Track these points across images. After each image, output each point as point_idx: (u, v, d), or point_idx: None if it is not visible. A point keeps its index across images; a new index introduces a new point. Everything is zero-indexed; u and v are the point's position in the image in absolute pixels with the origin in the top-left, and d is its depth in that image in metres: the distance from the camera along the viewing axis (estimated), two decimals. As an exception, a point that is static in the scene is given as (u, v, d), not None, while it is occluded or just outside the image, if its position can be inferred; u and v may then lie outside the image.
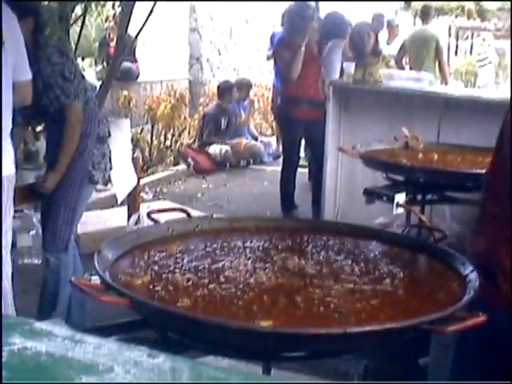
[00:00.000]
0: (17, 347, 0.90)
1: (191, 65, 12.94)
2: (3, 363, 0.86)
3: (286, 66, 7.24)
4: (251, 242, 2.66)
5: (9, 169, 3.69)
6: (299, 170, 7.89)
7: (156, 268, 2.33)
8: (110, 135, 4.41)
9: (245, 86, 11.25)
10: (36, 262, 5.48)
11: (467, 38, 22.58)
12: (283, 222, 3.01)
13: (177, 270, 2.31)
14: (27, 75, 3.85)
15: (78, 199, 4.24)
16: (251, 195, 8.88)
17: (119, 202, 5.71)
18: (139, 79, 11.42)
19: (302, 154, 8.25)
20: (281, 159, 8.25)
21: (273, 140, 11.68)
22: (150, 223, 2.77)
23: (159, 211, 2.90)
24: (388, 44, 10.75)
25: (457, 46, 21.83)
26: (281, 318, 1.96)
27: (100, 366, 0.86)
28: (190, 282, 2.21)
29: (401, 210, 4.16)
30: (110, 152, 4.42)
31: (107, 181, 4.55)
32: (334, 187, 6.53)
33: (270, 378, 0.88)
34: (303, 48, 6.99)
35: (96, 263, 2.16)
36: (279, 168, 7.84)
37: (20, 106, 3.89)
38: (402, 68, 8.92)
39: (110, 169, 4.43)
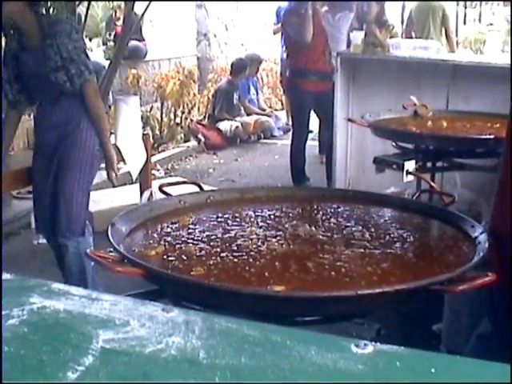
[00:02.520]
0: (36, 306, 0.94)
1: (199, 41, 12.91)
2: (23, 321, 0.89)
3: (297, 32, 7.20)
4: (262, 211, 2.69)
5: None
6: (310, 142, 7.92)
7: (169, 239, 2.37)
8: (110, 108, 4.40)
9: (255, 62, 11.22)
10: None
11: (475, 6, 22.40)
12: (293, 190, 3.04)
13: (190, 241, 2.35)
14: None
15: (90, 180, 4.21)
16: (263, 169, 8.90)
17: (134, 179, 5.74)
18: (147, 57, 11.41)
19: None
20: (291, 132, 8.26)
21: (282, 114, 11.67)
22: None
23: (170, 184, 2.94)
24: None
25: (465, 15, 21.65)
26: (293, 283, 1.99)
27: (116, 321, 0.90)
28: (203, 252, 2.24)
29: (411, 178, 4.17)
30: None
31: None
32: (344, 158, 6.53)
33: (282, 328, 0.91)
34: (310, 11, 6.97)
35: (110, 236, 2.20)
36: (289, 141, 7.85)
37: None
38: (410, 38, 8.88)
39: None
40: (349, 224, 2.55)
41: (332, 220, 2.59)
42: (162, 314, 0.92)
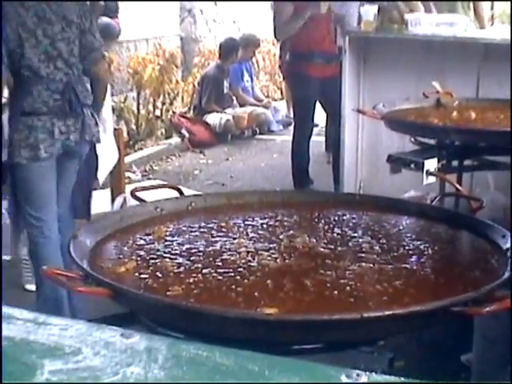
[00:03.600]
0: (-28, 333, 0.95)
1: (182, 18, 12.92)
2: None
3: (279, 19, 7.23)
4: (253, 219, 2.70)
5: None
6: (315, 138, 7.92)
7: (142, 253, 2.38)
8: (71, 108, 4.35)
9: (251, 45, 11.22)
10: (5, 258, 5.51)
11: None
12: (290, 195, 3.04)
13: (166, 255, 2.36)
14: None
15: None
16: (258, 170, 8.93)
17: (100, 183, 5.75)
18: (120, 38, 11.41)
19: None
20: (292, 126, 8.27)
21: (282, 105, 11.69)
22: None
23: (145, 189, 2.95)
24: None
25: (502, -17, 21.64)
26: (287, 305, 2.00)
27: (66, 349, 0.91)
28: (182, 268, 2.25)
29: (432, 180, 4.16)
30: (50, 123, 4.33)
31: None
32: (354, 157, 6.52)
33: (260, 355, 0.92)
34: (309, 13, 7.02)
35: (71, 250, 2.21)
36: (290, 137, 7.86)
37: None
38: (429, 12, 8.88)
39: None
40: (355, 234, 2.56)
41: (335, 230, 2.60)
42: (121, 339, 0.93)
